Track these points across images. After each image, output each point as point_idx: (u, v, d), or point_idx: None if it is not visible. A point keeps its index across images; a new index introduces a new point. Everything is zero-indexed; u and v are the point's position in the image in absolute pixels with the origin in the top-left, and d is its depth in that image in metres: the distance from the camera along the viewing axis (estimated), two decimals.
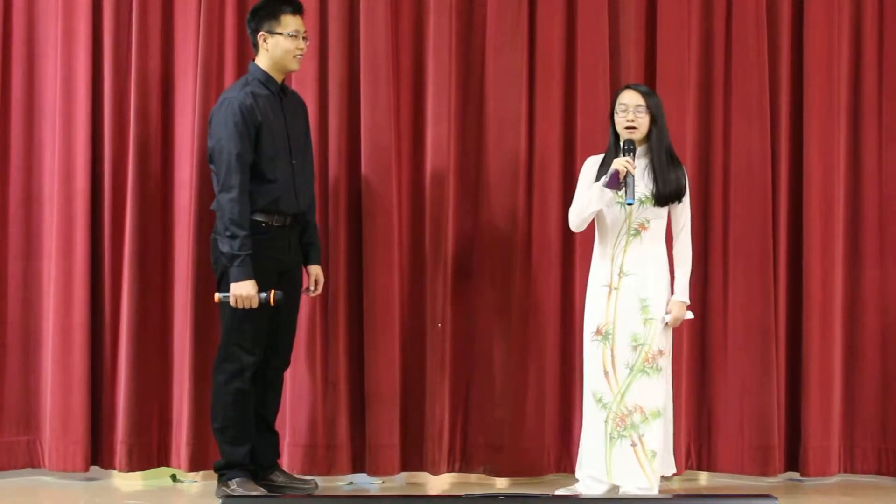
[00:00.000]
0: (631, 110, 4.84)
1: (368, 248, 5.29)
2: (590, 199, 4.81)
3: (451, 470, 5.36)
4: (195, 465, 5.27)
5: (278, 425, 5.27)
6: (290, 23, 4.89)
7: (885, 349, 5.50)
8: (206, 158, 5.00)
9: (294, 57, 4.91)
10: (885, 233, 5.51)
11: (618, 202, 4.78)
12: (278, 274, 4.91)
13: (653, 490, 4.74)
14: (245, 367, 4.88)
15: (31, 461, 5.35)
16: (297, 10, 4.93)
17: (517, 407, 5.32)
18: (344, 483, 5.35)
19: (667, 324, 4.83)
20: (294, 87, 5.29)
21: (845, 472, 5.48)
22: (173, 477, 5.35)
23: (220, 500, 4.45)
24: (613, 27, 5.42)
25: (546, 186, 5.39)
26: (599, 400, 4.80)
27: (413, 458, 5.34)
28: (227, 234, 4.76)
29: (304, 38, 4.94)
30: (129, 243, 5.26)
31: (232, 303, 4.77)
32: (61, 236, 5.26)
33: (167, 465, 5.33)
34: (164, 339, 5.34)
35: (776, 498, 4.57)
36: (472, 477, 5.39)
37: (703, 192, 5.46)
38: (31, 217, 5.35)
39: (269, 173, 4.86)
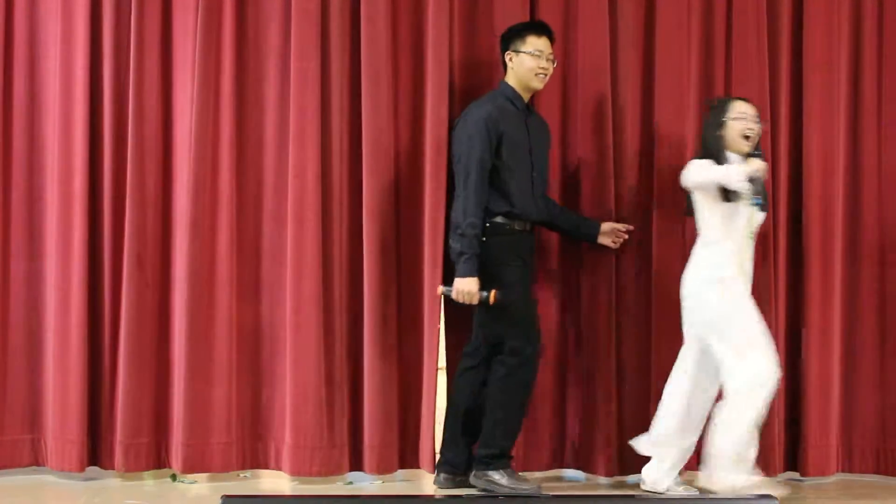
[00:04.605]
0: (750, 119, 5.01)
1: (369, 248, 5.32)
2: (730, 176, 4.86)
3: None
4: (190, 466, 5.29)
5: (277, 425, 5.34)
6: (533, 42, 5.12)
7: (883, 349, 5.51)
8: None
9: (536, 75, 5.14)
10: (884, 232, 5.52)
11: (746, 199, 4.90)
12: (527, 276, 5.12)
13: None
14: (528, 357, 5.08)
15: (35, 460, 5.38)
16: (543, 31, 5.17)
17: None
18: (344, 482, 5.37)
19: None
20: (296, 87, 5.32)
21: (843, 471, 5.50)
22: (173, 477, 5.37)
23: (221, 499, 4.49)
24: (613, 28, 5.43)
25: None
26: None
27: (412, 457, 5.37)
28: (458, 231, 4.98)
29: (547, 58, 5.15)
30: (128, 244, 5.29)
31: (454, 296, 4.99)
32: (60, 236, 5.29)
33: (167, 465, 5.36)
34: (163, 339, 5.37)
35: (776, 498, 4.60)
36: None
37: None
38: (32, 217, 5.37)
39: (509, 181, 5.06)
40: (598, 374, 5.37)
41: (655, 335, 5.36)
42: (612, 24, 5.44)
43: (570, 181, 5.44)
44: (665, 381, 5.13)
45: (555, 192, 5.40)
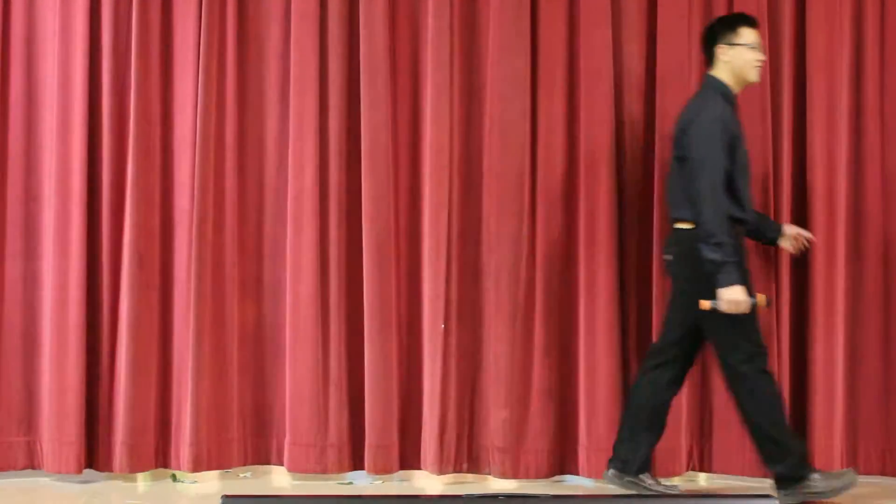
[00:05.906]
0: None
1: (368, 249, 5.31)
2: None
3: (457, 470, 5.36)
4: (198, 465, 5.28)
5: (278, 424, 5.34)
6: (748, 34, 5.06)
7: (887, 349, 5.48)
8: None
9: (754, 67, 5.06)
10: (887, 231, 5.49)
11: None
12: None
13: None
14: (764, 362, 4.98)
15: (30, 462, 5.36)
16: (754, 23, 5.11)
17: (520, 408, 5.30)
18: (343, 482, 5.36)
19: None
20: (295, 89, 5.32)
21: None
22: (173, 477, 5.36)
23: (221, 500, 4.46)
24: (616, 27, 5.41)
25: (549, 187, 5.38)
26: None
27: (413, 457, 5.35)
28: (714, 241, 4.84)
29: (761, 49, 5.12)
30: (128, 243, 5.27)
31: (724, 308, 4.85)
32: (57, 235, 5.28)
33: (166, 466, 5.35)
34: (164, 339, 5.35)
35: (776, 498, 4.56)
36: (471, 477, 5.38)
37: None
38: (29, 216, 5.36)
39: (736, 185, 4.97)
40: (600, 374, 5.34)
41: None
42: (615, 23, 5.41)
43: (572, 181, 5.41)
44: None
45: (559, 193, 5.39)
